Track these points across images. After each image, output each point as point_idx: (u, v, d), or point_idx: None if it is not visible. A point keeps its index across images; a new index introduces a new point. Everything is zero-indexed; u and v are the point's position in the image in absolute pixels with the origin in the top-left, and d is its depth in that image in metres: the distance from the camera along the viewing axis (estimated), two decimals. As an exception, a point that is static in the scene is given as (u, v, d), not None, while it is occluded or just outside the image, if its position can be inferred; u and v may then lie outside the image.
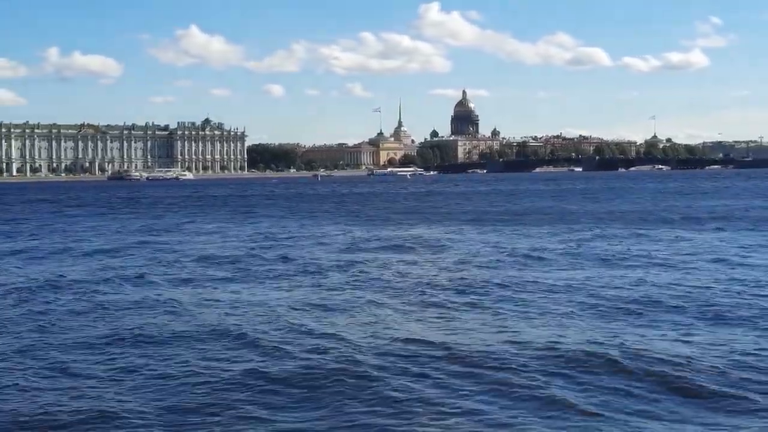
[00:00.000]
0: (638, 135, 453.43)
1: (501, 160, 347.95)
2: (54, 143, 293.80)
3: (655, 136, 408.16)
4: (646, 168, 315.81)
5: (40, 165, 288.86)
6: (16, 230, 48.46)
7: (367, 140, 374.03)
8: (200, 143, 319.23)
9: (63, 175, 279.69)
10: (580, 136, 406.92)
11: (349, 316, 17.65)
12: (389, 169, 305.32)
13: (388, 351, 14.06)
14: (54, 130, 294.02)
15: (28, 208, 78.81)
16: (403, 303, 19.20)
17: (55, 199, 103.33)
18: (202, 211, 69.17)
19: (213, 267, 27.26)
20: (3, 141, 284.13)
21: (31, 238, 42.29)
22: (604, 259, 27.17)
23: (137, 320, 17.49)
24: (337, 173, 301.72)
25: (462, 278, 23.18)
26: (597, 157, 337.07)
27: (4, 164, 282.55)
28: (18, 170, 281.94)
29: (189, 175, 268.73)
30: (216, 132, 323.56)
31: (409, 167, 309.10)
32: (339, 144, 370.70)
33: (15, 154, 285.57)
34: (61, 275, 25.55)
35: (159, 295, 21.10)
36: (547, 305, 18.38)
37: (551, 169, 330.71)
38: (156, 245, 36.01)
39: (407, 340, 14.81)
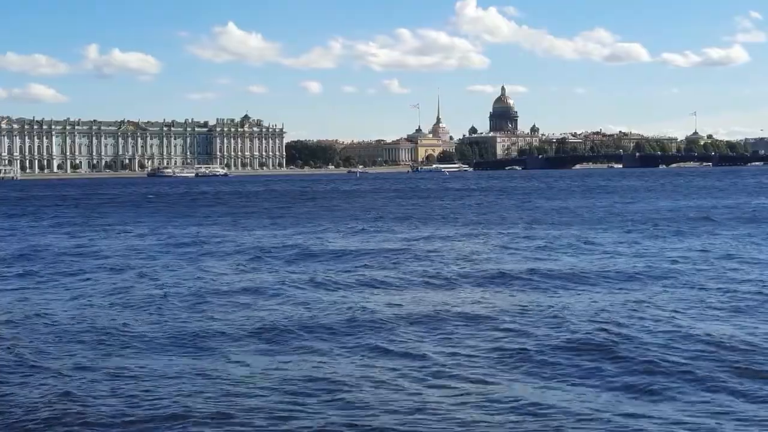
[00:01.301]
0: (679, 131, 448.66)
1: (540, 156, 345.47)
2: (94, 140, 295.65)
3: (695, 133, 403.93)
4: (688, 165, 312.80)
5: (80, 162, 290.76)
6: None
7: (405, 136, 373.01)
8: (239, 140, 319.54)
9: (106, 171, 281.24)
10: (620, 132, 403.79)
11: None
12: (434, 165, 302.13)
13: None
14: (94, 127, 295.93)
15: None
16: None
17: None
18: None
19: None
20: (44, 138, 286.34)
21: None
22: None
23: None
24: (375, 170, 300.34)
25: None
26: (638, 154, 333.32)
27: (45, 161, 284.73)
28: (59, 167, 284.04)
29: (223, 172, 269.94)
30: (255, 129, 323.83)
31: (454, 164, 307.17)
32: (377, 140, 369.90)
33: (56, 150, 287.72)
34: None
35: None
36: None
37: (591, 165, 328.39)
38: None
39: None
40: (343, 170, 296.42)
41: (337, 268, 25.90)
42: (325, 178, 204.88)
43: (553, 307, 18.28)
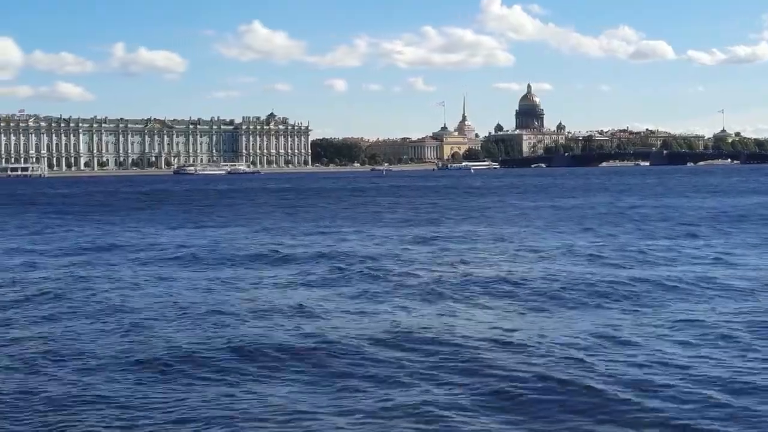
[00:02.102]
0: (706, 129, 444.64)
1: (566, 154, 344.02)
2: (121, 138, 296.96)
3: (723, 130, 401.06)
4: (716, 162, 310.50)
5: (107, 159, 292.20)
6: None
7: (430, 134, 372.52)
8: (265, 138, 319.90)
9: (133, 169, 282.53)
10: (647, 130, 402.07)
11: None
12: (464, 163, 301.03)
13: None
14: (121, 125, 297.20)
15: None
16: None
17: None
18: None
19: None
20: (71, 135, 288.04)
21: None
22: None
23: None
24: (400, 167, 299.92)
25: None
26: (665, 151, 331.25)
27: (72, 158, 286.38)
28: (86, 164, 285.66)
29: (252, 169, 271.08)
30: (280, 126, 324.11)
31: (483, 161, 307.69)
32: (403, 138, 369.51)
33: (83, 148, 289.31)
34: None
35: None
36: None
37: (617, 163, 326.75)
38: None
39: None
40: (368, 168, 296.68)
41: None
42: (351, 176, 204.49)
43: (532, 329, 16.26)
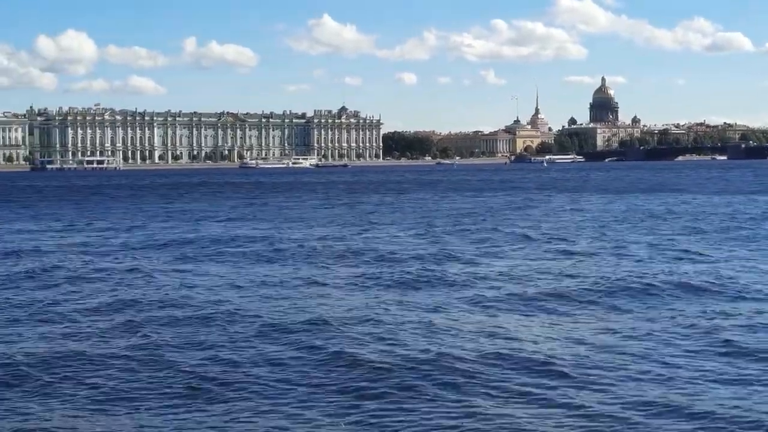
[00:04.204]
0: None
1: (641, 147, 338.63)
2: (194, 131, 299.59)
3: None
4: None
5: (181, 153, 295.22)
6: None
7: (503, 127, 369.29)
8: (336, 131, 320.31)
9: (206, 162, 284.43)
10: (725, 123, 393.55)
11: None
12: (547, 156, 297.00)
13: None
14: (194, 119, 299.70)
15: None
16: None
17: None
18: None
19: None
20: (146, 129, 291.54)
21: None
22: None
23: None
24: (470, 161, 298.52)
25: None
26: (744, 145, 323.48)
27: (147, 152, 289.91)
28: (160, 157, 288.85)
29: (306, 164, 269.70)
30: (352, 120, 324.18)
31: (568, 154, 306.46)
32: (474, 131, 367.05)
33: (157, 141, 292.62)
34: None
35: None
36: None
37: (694, 157, 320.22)
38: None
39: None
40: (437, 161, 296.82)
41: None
42: (418, 170, 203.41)
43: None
